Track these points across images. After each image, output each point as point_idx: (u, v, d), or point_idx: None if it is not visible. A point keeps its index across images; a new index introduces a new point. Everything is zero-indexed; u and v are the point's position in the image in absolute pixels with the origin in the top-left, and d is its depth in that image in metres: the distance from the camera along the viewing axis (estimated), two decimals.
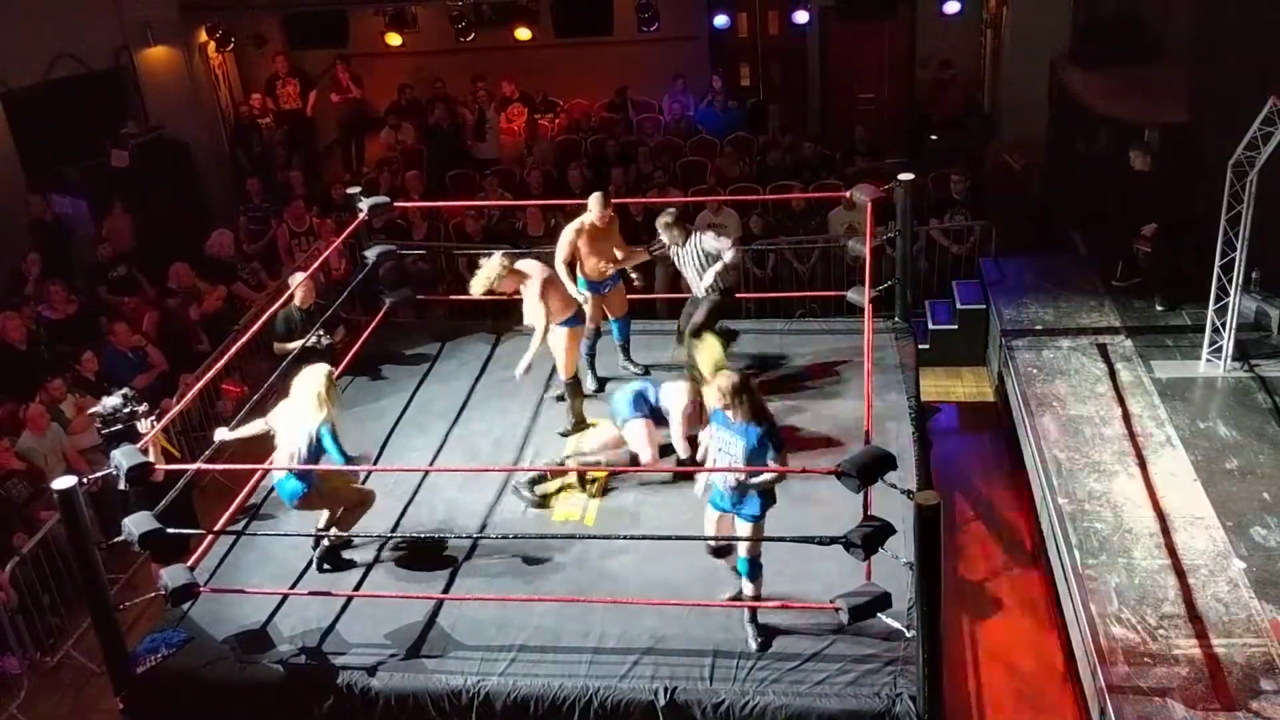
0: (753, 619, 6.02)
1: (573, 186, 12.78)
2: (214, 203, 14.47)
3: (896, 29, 15.57)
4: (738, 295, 9.13)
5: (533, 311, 7.71)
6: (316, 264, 8.84)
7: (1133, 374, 9.14)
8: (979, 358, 10.91)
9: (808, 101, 16.02)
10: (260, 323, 8.41)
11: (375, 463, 7.71)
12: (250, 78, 16.26)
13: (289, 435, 6.45)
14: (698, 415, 7.22)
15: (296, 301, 8.64)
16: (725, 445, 5.84)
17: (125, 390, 7.68)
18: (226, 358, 8.22)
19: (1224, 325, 8.85)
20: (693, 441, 7.02)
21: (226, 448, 7.20)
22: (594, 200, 8.01)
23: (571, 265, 7.98)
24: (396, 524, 7.07)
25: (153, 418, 7.51)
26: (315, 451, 6.38)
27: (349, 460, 6.40)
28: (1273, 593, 6.73)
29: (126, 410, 7.46)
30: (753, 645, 5.94)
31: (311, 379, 6.47)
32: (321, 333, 8.46)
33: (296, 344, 8.30)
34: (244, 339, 8.34)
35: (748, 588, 6.03)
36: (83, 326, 10.73)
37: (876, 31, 15.64)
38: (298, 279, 8.66)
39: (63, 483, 5.70)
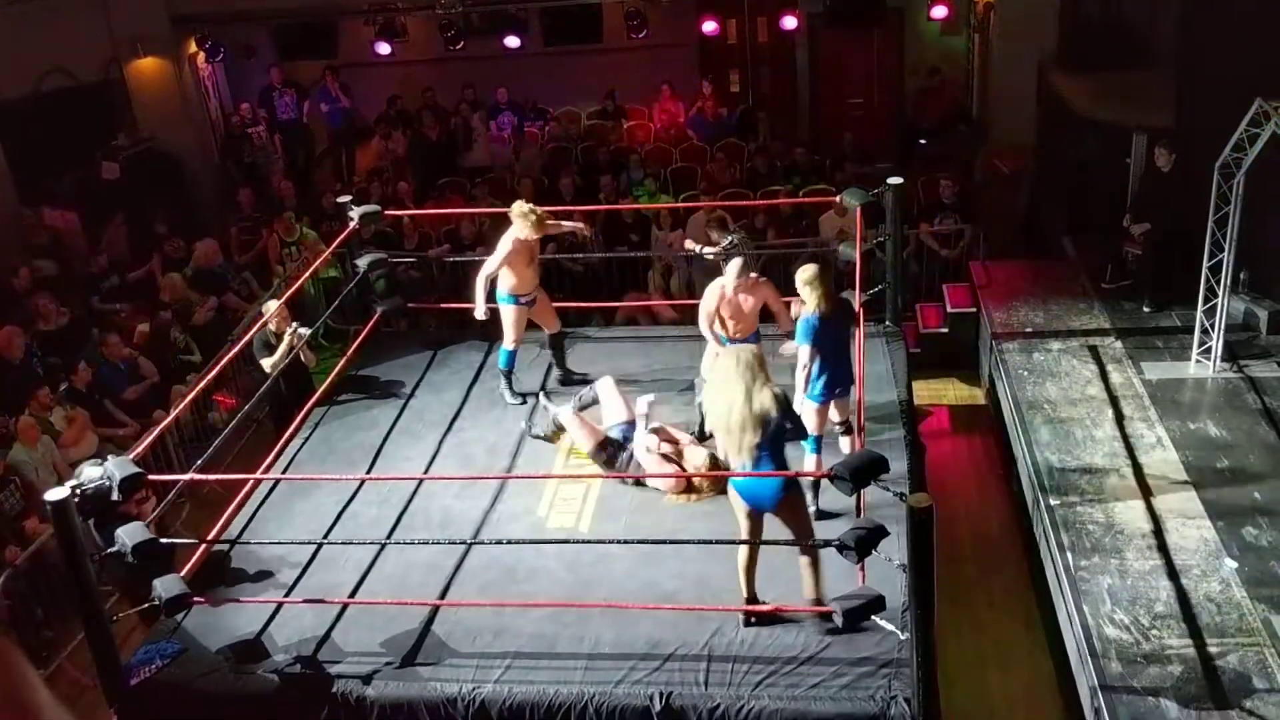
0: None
1: (563, 194, 12.82)
2: (205, 213, 14.47)
3: (885, 35, 15.63)
4: None
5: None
6: (290, 291, 8.62)
7: (1123, 376, 9.17)
8: (970, 361, 10.94)
9: (797, 107, 16.06)
10: (251, 334, 8.39)
11: (369, 471, 7.74)
12: (240, 89, 16.27)
13: (737, 430, 5.72)
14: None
15: (271, 326, 8.58)
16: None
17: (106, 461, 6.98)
18: (218, 369, 8.21)
19: (1213, 326, 8.88)
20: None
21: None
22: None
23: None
24: (391, 532, 7.07)
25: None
26: (778, 431, 5.68)
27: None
28: (1265, 592, 6.75)
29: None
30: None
31: (732, 359, 5.81)
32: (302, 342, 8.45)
33: (275, 357, 8.33)
34: (235, 349, 8.34)
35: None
36: (75, 338, 10.71)
37: (865, 38, 15.69)
38: (271, 306, 8.61)
39: (55, 494, 5.69)
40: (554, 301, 8.69)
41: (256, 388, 8.41)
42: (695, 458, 7.33)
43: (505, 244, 7.92)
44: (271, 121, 15.42)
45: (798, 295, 7.01)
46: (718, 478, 7.09)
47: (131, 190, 13.29)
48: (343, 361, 8.92)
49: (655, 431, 7.40)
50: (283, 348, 8.45)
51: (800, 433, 6.14)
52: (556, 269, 11.64)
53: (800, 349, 6.87)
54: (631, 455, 7.34)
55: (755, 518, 5.90)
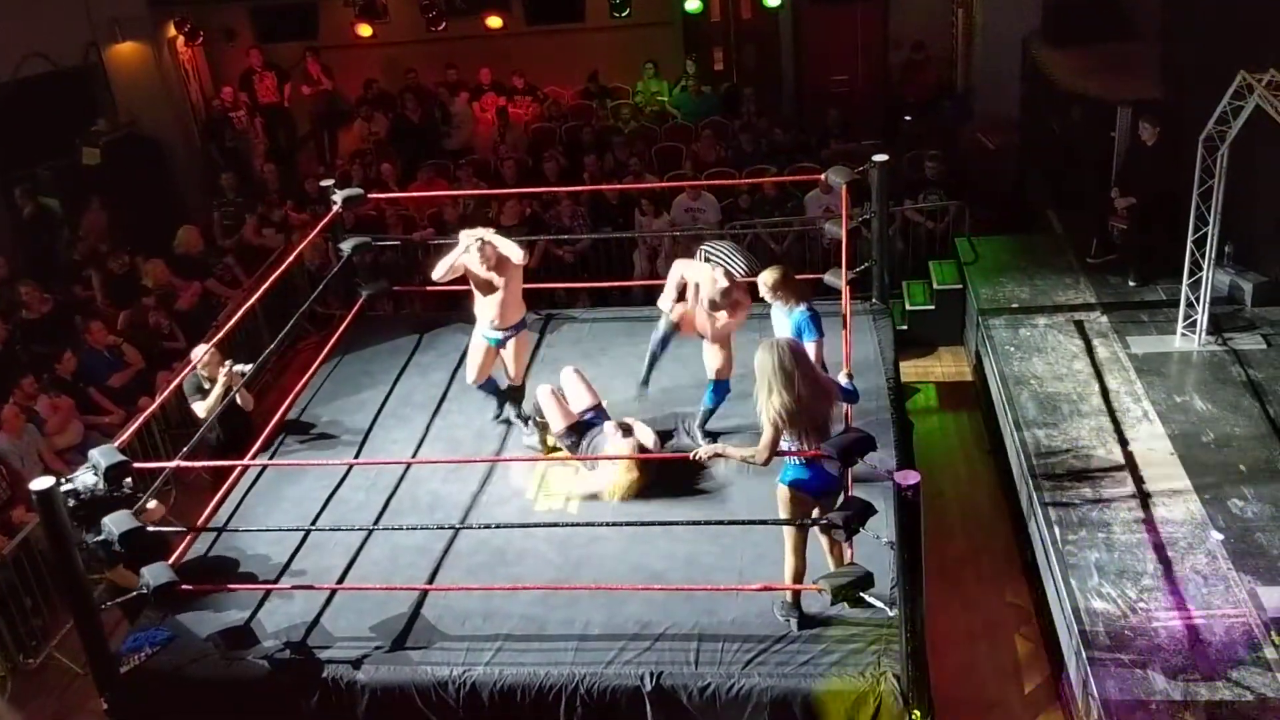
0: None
1: (548, 175, 12.77)
2: (188, 199, 14.39)
3: (869, 11, 15.57)
4: None
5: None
6: (226, 328, 8.03)
7: (1109, 350, 9.20)
8: (956, 337, 10.96)
9: (782, 85, 16.00)
10: (235, 319, 8.31)
11: (356, 456, 7.72)
12: (220, 72, 16.15)
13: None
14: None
15: (201, 370, 7.91)
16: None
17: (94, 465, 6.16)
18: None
19: (1198, 299, 8.91)
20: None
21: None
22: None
23: None
24: (379, 517, 7.06)
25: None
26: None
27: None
28: (1250, 563, 6.80)
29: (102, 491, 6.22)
30: None
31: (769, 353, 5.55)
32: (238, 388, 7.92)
33: (209, 400, 7.87)
34: (218, 336, 8.28)
35: None
36: (59, 326, 10.65)
37: (849, 14, 15.63)
38: (199, 351, 7.93)
39: (41, 484, 5.66)
40: (543, 284, 8.07)
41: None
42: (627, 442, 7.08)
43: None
44: (252, 105, 15.31)
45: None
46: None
47: (112, 176, 13.18)
48: (329, 346, 8.88)
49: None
50: (218, 389, 7.86)
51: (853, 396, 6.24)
52: (544, 256, 11.62)
53: (808, 345, 6.43)
54: (593, 440, 7.25)
55: (809, 511, 5.75)
